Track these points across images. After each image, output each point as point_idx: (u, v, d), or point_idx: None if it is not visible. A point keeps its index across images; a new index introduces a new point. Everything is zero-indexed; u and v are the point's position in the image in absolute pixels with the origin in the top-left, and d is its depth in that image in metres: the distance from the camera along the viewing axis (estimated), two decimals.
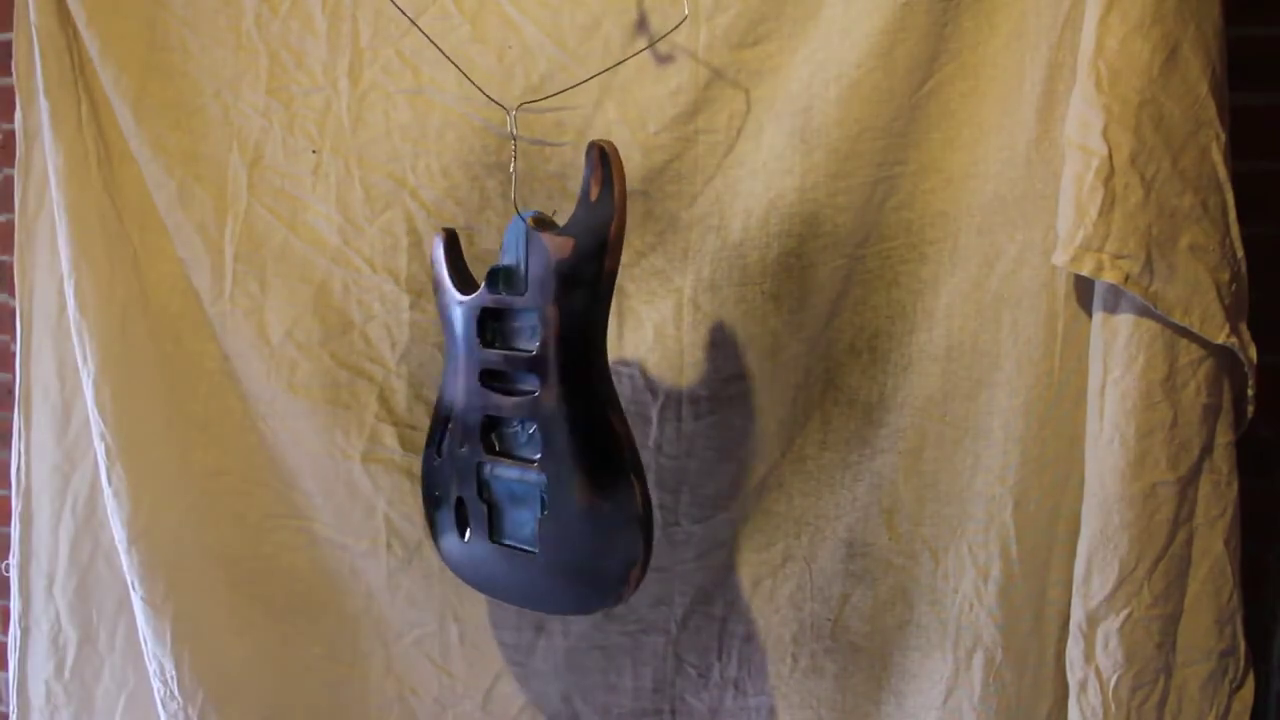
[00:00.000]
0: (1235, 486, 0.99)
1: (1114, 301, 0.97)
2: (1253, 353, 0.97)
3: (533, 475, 1.01)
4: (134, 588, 1.25)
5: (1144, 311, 0.95)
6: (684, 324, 1.14)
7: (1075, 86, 0.95)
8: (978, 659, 1.10)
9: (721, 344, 1.13)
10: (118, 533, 1.24)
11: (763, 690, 1.22)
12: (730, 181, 1.11)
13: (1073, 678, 1.03)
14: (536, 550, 1.02)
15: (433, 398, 1.21)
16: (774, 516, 1.18)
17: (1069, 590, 1.03)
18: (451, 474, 1.07)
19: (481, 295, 1.02)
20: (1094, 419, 1.00)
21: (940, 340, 1.09)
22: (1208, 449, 0.98)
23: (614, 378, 1.10)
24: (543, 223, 0.98)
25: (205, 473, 1.27)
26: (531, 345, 0.99)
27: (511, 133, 1.05)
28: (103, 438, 1.22)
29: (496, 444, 1.04)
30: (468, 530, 1.07)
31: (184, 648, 1.25)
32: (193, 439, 1.26)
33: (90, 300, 1.21)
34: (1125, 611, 0.99)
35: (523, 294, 0.98)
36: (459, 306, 1.04)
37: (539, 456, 1.00)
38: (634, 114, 1.10)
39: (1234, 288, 0.95)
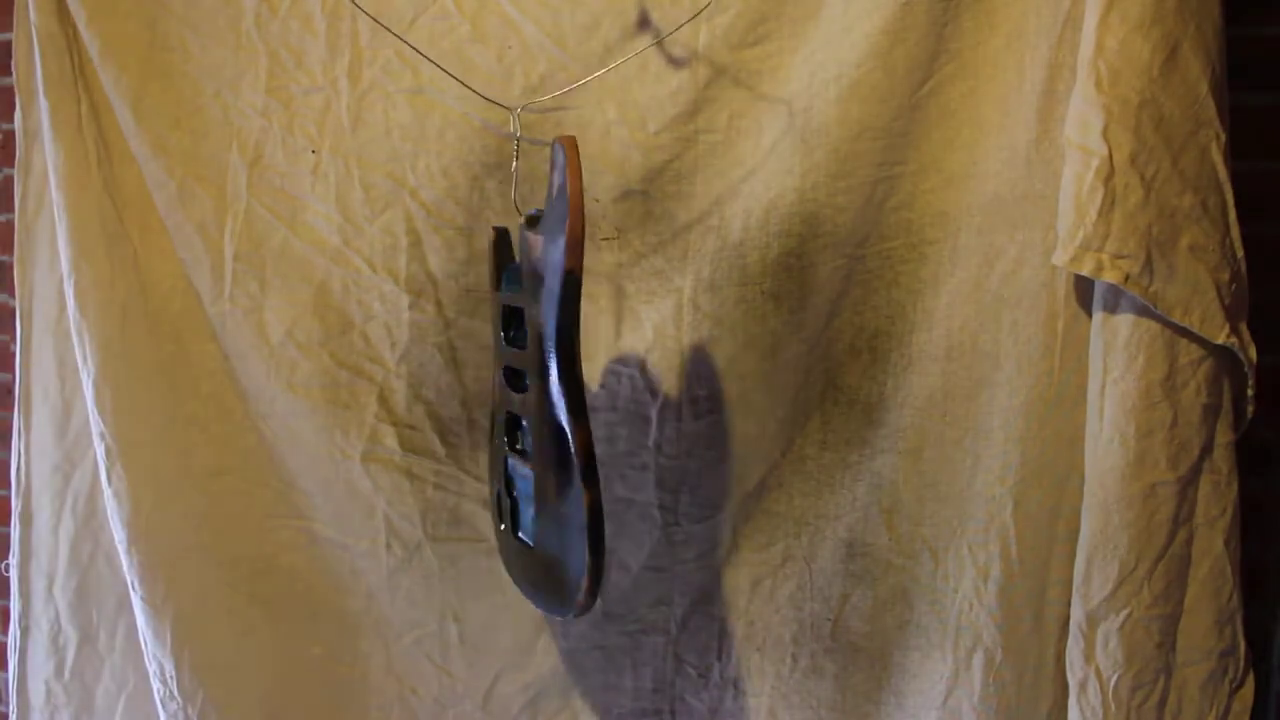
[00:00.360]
0: (1235, 486, 0.99)
1: (1114, 301, 0.97)
2: (1253, 353, 0.97)
3: (525, 470, 1.01)
4: (134, 588, 1.25)
5: (1144, 311, 0.95)
6: (684, 324, 1.14)
7: (1075, 86, 0.95)
8: (977, 659, 1.10)
9: (721, 344, 1.13)
10: (118, 533, 1.24)
11: (763, 690, 1.22)
12: (730, 182, 1.11)
13: (1073, 678, 1.03)
14: (530, 544, 1.02)
15: (432, 398, 1.21)
16: (774, 516, 1.18)
17: (1069, 590, 1.03)
18: (492, 468, 1.11)
19: (500, 295, 1.03)
20: (1094, 419, 1.00)
21: (940, 340, 1.09)
22: (1208, 449, 0.98)
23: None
24: (533, 221, 0.97)
25: (205, 473, 1.27)
26: (523, 344, 0.98)
27: (514, 132, 1.05)
28: (103, 438, 1.22)
29: (512, 440, 1.05)
30: (502, 523, 1.09)
31: (184, 648, 1.25)
32: (193, 439, 1.26)
33: (90, 300, 1.21)
34: (1125, 611, 0.99)
35: (519, 293, 0.98)
36: (496, 304, 1.06)
37: (531, 455, 1.00)
38: (634, 114, 1.10)
39: (1234, 288, 0.95)
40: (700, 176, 1.11)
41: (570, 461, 0.92)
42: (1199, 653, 1.01)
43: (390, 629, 1.29)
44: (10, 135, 1.31)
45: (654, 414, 1.16)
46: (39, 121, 1.23)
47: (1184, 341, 0.95)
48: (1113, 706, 1.01)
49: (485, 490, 1.21)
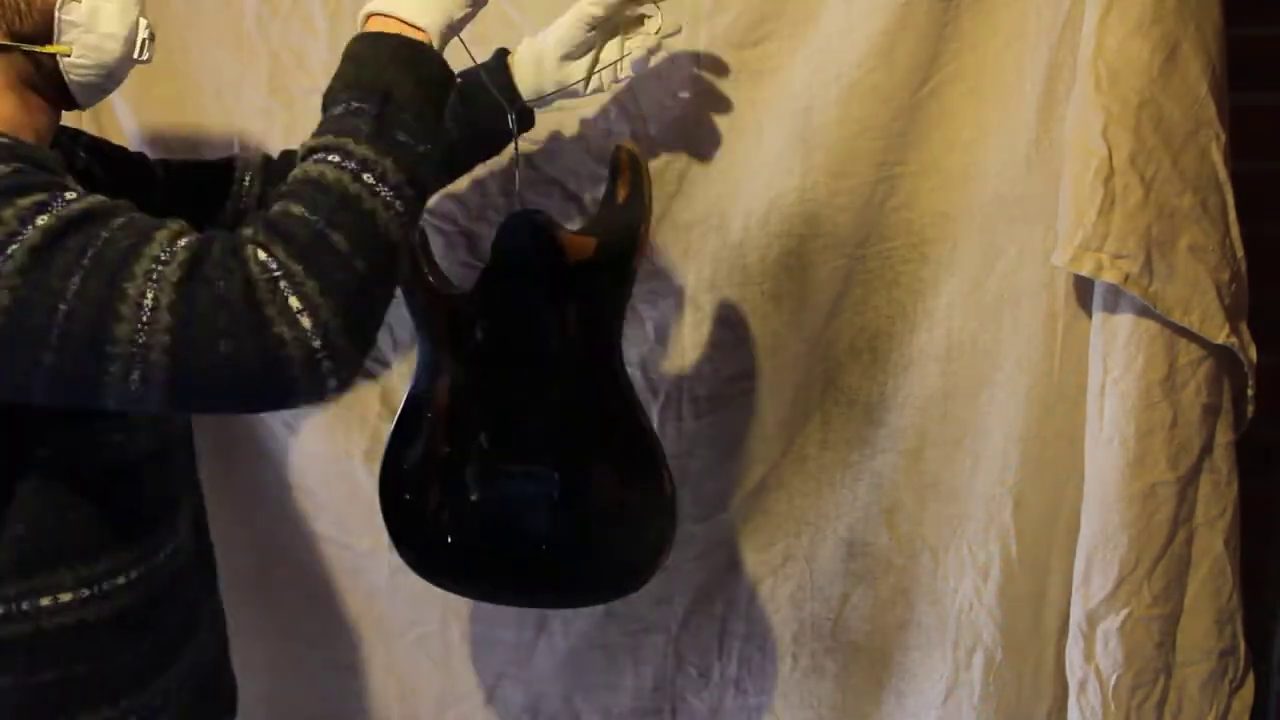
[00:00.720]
0: (1235, 486, 1.00)
1: (1114, 301, 0.97)
2: (1253, 353, 0.97)
3: (542, 472, 0.99)
4: None
5: (1144, 311, 0.95)
6: (684, 324, 1.14)
7: (1075, 86, 0.95)
8: (977, 659, 1.10)
9: (722, 344, 1.13)
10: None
11: (763, 689, 1.22)
12: (731, 182, 1.11)
13: (1073, 677, 1.03)
14: (544, 546, 1.00)
15: None
16: (774, 516, 1.18)
17: (1069, 590, 1.03)
18: (429, 478, 1.03)
19: (475, 293, 0.99)
20: (1094, 419, 1.00)
21: (940, 340, 1.09)
22: (1208, 449, 0.98)
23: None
24: (550, 222, 0.97)
25: (206, 473, 1.27)
26: (541, 343, 0.98)
27: (514, 132, 1.05)
28: None
29: (488, 444, 1.01)
30: (449, 535, 1.03)
31: None
32: (194, 438, 1.26)
33: None
34: (1125, 611, 0.99)
35: (529, 292, 0.97)
36: (442, 305, 1.01)
37: (550, 454, 0.99)
38: (634, 114, 1.10)
39: (1234, 288, 0.95)
40: (701, 177, 1.11)
41: (641, 449, 0.96)
42: (1199, 653, 1.01)
43: (391, 628, 1.29)
44: None
45: (655, 414, 1.16)
46: None
47: (1184, 341, 0.95)
48: (1112, 706, 1.01)
49: None
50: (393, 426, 1.04)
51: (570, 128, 1.12)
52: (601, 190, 1.11)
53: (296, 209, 0.66)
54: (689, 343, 1.14)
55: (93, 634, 0.80)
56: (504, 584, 1.05)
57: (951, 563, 1.12)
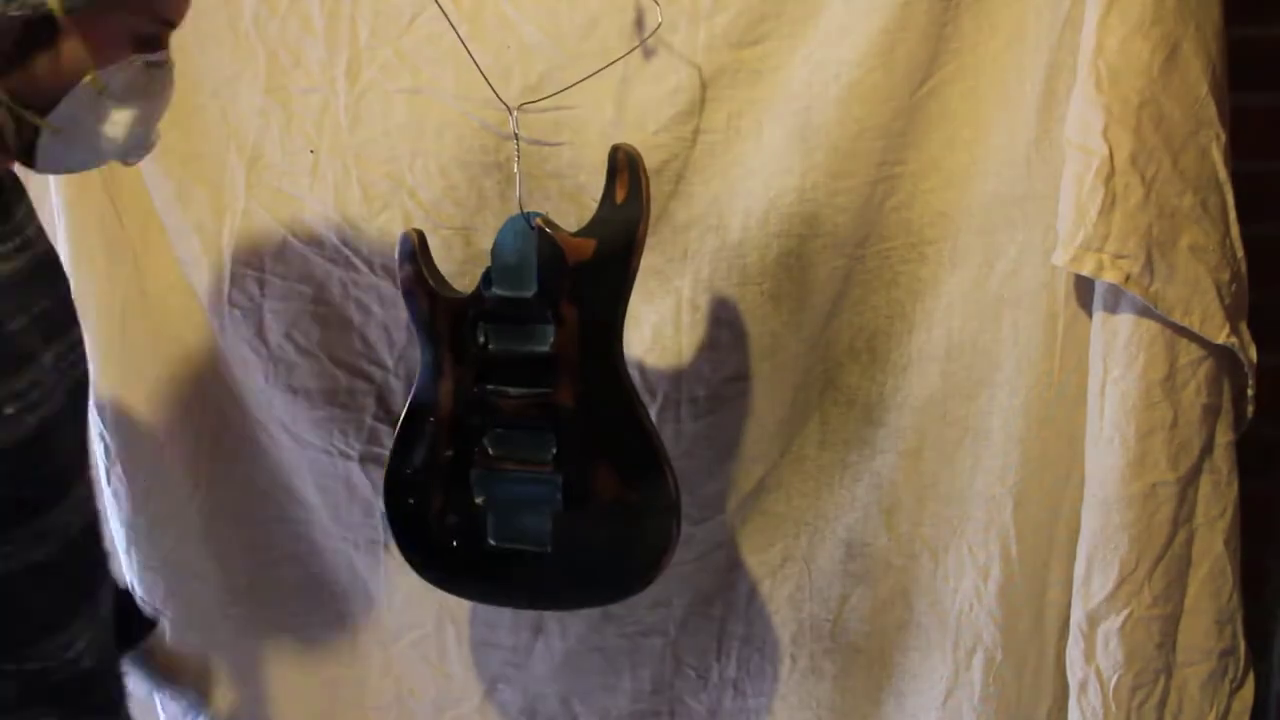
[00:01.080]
0: (1235, 486, 0.99)
1: (1114, 301, 0.97)
2: (1253, 353, 0.97)
3: (545, 475, 0.99)
4: (134, 588, 1.24)
5: (1144, 311, 0.95)
6: (683, 324, 1.13)
7: (1075, 86, 0.95)
8: (978, 659, 1.10)
9: (720, 344, 1.13)
10: (117, 533, 1.24)
11: (762, 691, 1.22)
12: (729, 181, 1.10)
13: (1073, 678, 1.03)
14: (549, 549, 1.01)
15: None
16: (773, 517, 1.18)
17: (1069, 590, 1.03)
18: (433, 481, 1.03)
19: (475, 296, 1.00)
20: (1094, 419, 1.00)
21: (940, 340, 1.09)
22: (1208, 449, 0.98)
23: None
24: (548, 223, 0.97)
25: (205, 473, 1.27)
26: (542, 345, 0.98)
27: (514, 132, 1.05)
28: (103, 438, 1.22)
29: (491, 447, 1.02)
30: (453, 538, 1.04)
31: (184, 649, 1.25)
32: (192, 439, 1.26)
33: (90, 300, 1.21)
34: (1125, 611, 0.99)
35: (529, 294, 0.97)
36: (443, 308, 1.01)
37: (553, 456, 0.99)
38: (633, 114, 1.10)
39: (1234, 288, 0.95)
40: (699, 176, 1.11)
41: (643, 451, 0.97)
42: (1199, 653, 1.01)
43: (388, 630, 1.29)
44: None
45: (654, 414, 1.15)
46: None
47: (1184, 341, 0.95)
48: (1113, 706, 1.01)
49: None
50: (397, 429, 1.04)
51: (567, 127, 1.12)
52: (601, 190, 1.10)
53: None
54: (687, 343, 1.14)
55: None
56: (507, 587, 1.06)
57: (951, 563, 1.12)
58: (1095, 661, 1.01)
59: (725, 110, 1.09)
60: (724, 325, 1.13)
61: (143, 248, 1.24)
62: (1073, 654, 1.03)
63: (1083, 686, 1.02)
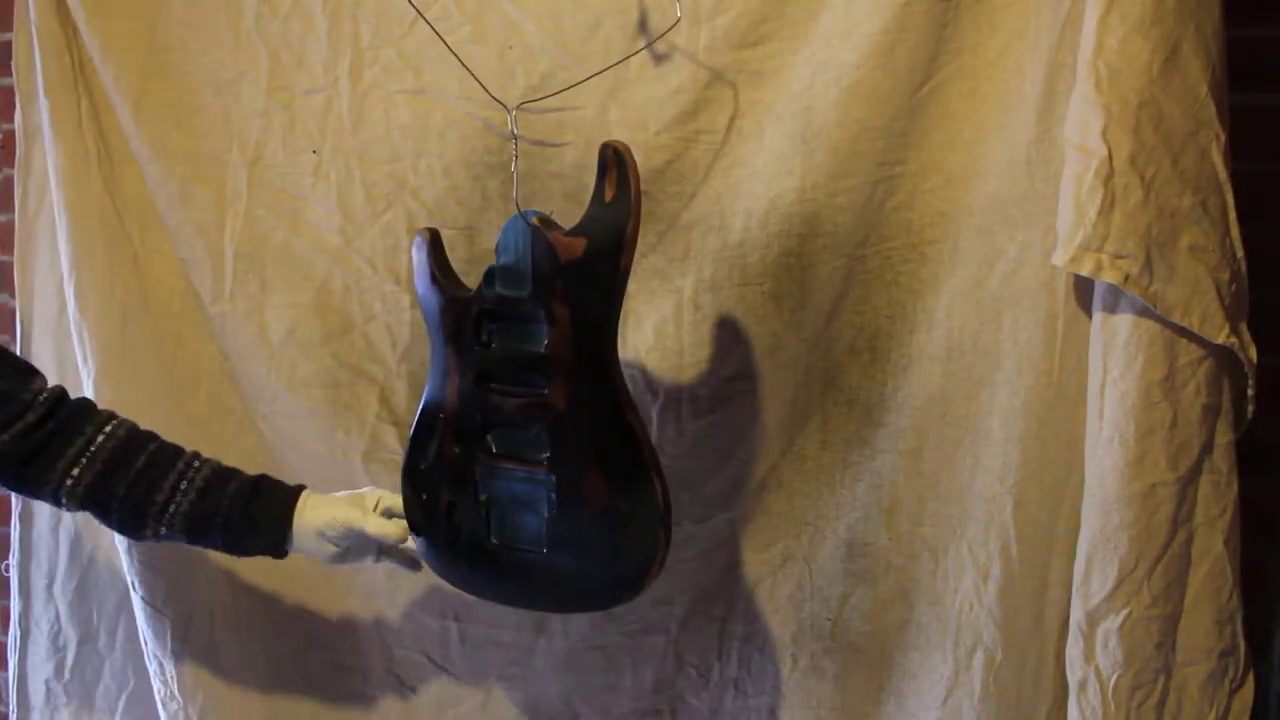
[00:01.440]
0: (1235, 486, 0.99)
1: (1114, 301, 0.97)
2: (1253, 353, 0.97)
3: (541, 475, 1.00)
4: (134, 588, 1.25)
5: (1144, 311, 0.95)
6: (684, 324, 1.14)
7: (1075, 86, 0.95)
8: (978, 659, 1.10)
9: (722, 344, 1.13)
10: (118, 533, 1.24)
11: (763, 690, 1.22)
12: (731, 182, 1.11)
13: (1073, 677, 1.03)
14: (544, 550, 1.01)
15: None
16: (774, 516, 1.18)
17: (1069, 590, 1.03)
18: (442, 477, 1.05)
19: (478, 295, 1.01)
20: (1094, 419, 1.00)
21: (940, 340, 1.09)
22: (1208, 449, 0.98)
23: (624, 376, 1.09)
24: (546, 223, 0.98)
25: None
26: (537, 345, 0.98)
27: (513, 132, 1.05)
28: None
29: (494, 445, 1.03)
30: (459, 534, 1.05)
31: (184, 648, 1.25)
32: (193, 439, 1.25)
33: (90, 300, 1.21)
34: (1125, 611, 0.99)
35: (526, 294, 0.97)
36: (450, 307, 1.02)
37: (547, 457, 0.99)
38: (635, 114, 1.10)
39: (1234, 288, 0.95)
40: (701, 177, 1.11)
41: (631, 456, 0.96)
42: (1199, 653, 1.01)
43: (390, 629, 1.29)
44: (10, 135, 1.31)
45: (655, 414, 1.15)
46: (39, 121, 1.23)
47: (1184, 341, 0.95)
48: (1112, 706, 1.01)
49: None
50: (413, 424, 1.06)
51: (570, 127, 1.12)
52: None
53: None
54: (689, 342, 1.14)
55: None
56: (507, 586, 1.06)
57: (951, 563, 1.12)
58: (1095, 661, 1.01)
59: (727, 111, 1.09)
60: (725, 325, 1.13)
61: (143, 248, 1.24)
62: (1072, 653, 1.03)
63: (1082, 686, 1.02)
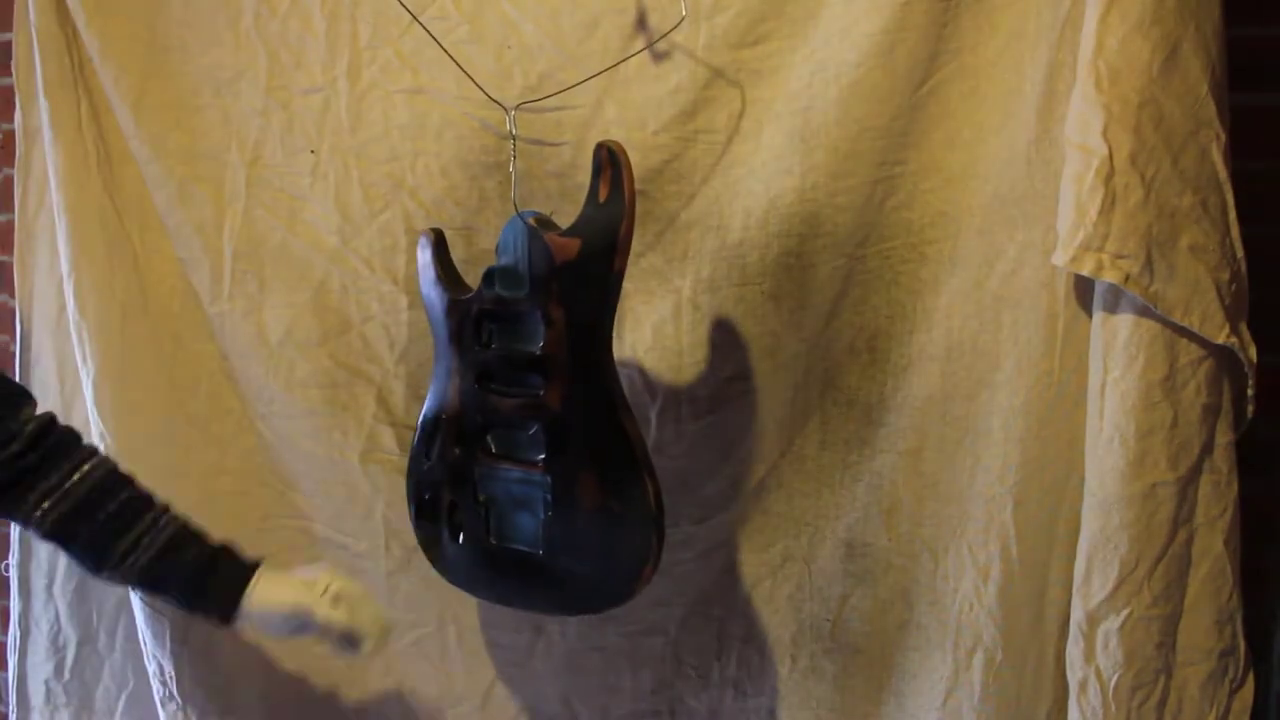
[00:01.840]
0: (1235, 486, 0.99)
1: (1114, 301, 0.97)
2: (1253, 353, 0.96)
3: (537, 476, 1.00)
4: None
5: (1144, 311, 0.95)
6: (683, 324, 1.13)
7: (1075, 86, 0.95)
8: (978, 659, 1.10)
9: (721, 344, 1.13)
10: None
11: (762, 691, 1.22)
12: (730, 181, 1.10)
13: (1073, 677, 1.03)
14: (541, 551, 1.01)
15: None
16: (773, 517, 1.18)
17: (1069, 590, 1.03)
18: (444, 477, 1.06)
19: (478, 296, 1.01)
20: (1094, 419, 0.99)
21: (940, 340, 1.09)
22: (1208, 449, 0.98)
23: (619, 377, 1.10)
24: (544, 223, 0.98)
25: (205, 473, 1.27)
26: (533, 346, 0.98)
27: (511, 132, 1.05)
28: (103, 438, 1.22)
29: (494, 446, 1.04)
30: (460, 533, 1.06)
31: (183, 648, 1.25)
32: (192, 439, 1.26)
33: (90, 300, 1.21)
34: (1125, 611, 0.99)
35: (524, 294, 0.98)
36: (452, 307, 1.03)
37: (543, 458, 0.99)
38: (633, 114, 1.10)
39: (1234, 288, 0.95)
40: (699, 176, 1.11)
41: (624, 457, 0.96)
42: (1199, 653, 1.00)
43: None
44: (10, 135, 1.31)
45: (653, 415, 1.15)
46: (39, 121, 1.23)
47: (1184, 341, 0.95)
48: (1113, 706, 1.01)
49: None
50: (418, 424, 1.07)
51: (568, 126, 1.12)
52: None
53: None
54: (687, 343, 1.14)
55: None
56: (506, 586, 1.06)
57: (951, 563, 1.12)
58: (1095, 661, 1.01)
59: (726, 110, 1.09)
60: (724, 325, 1.13)
61: (142, 248, 1.24)
62: (1072, 654, 1.03)
63: (1083, 686, 1.02)
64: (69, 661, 1.34)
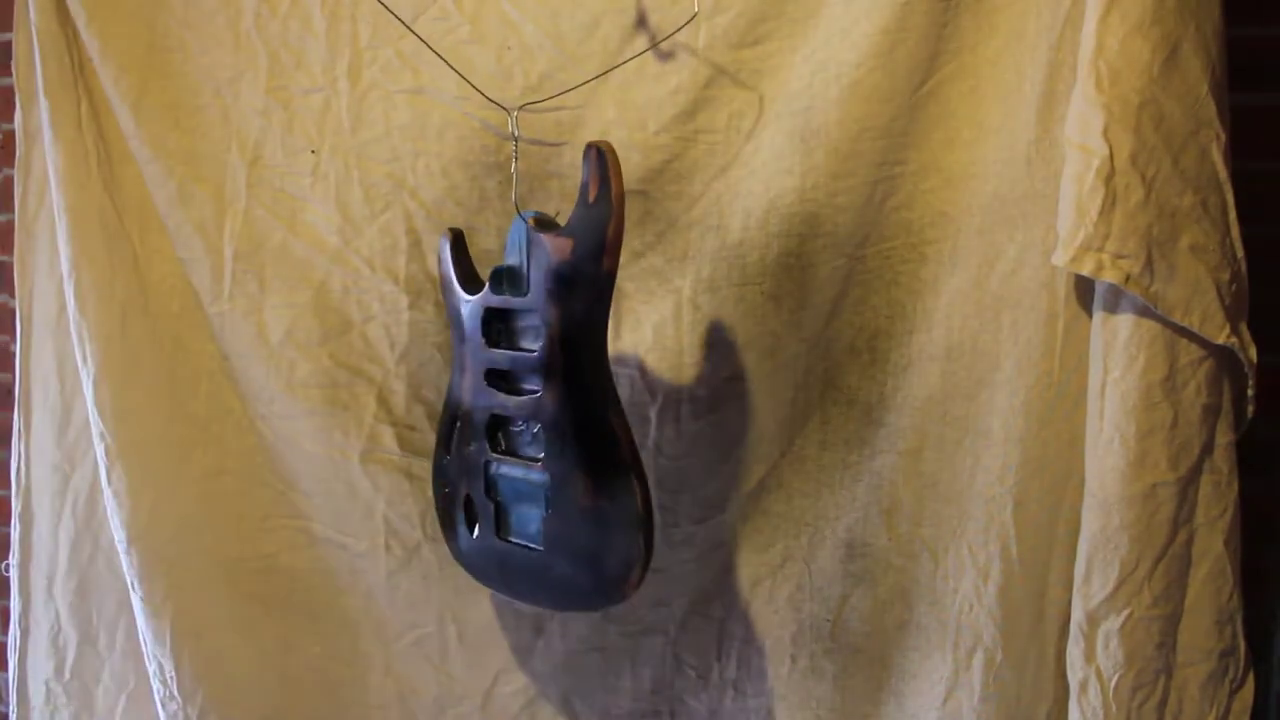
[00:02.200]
0: (1235, 487, 0.99)
1: (1114, 301, 0.97)
2: (1253, 353, 0.97)
3: (536, 474, 1.02)
4: (134, 588, 1.25)
5: (1144, 311, 0.95)
6: (683, 324, 1.14)
7: (1075, 86, 0.95)
8: (978, 659, 1.10)
9: (721, 344, 1.13)
10: (117, 533, 1.24)
11: (762, 691, 1.22)
12: (730, 182, 1.10)
13: (1073, 678, 1.03)
14: (541, 548, 1.02)
15: (431, 398, 1.21)
16: (773, 517, 1.18)
17: (1069, 590, 1.03)
18: (460, 471, 1.09)
19: (486, 295, 1.03)
20: (1094, 419, 0.99)
21: (940, 340, 1.09)
22: (1208, 449, 0.98)
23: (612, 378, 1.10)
24: (544, 223, 0.98)
25: (205, 473, 1.27)
26: (534, 345, 0.99)
27: (513, 133, 1.05)
28: (103, 438, 1.22)
29: (503, 443, 1.06)
30: (475, 527, 1.09)
31: (184, 648, 1.25)
32: (193, 439, 1.26)
33: (90, 300, 1.21)
34: (1126, 611, 0.99)
35: (525, 294, 0.98)
36: (465, 306, 1.05)
37: (542, 456, 1.00)
38: (633, 114, 1.10)
39: (1234, 288, 0.95)
40: (700, 176, 1.11)
41: (612, 458, 0.96)
42: (1199, 653, 1.00)
43: (389, 629, 1.29)
44: (10, 135, 1.31)
45: (653, 414, 1.15)
46: (39, 121, 1.23)
47: (1184, 341, 0.95)
48: (1113, 707, 1.01)
49: None
50: (439, 421, 1.11)
51: (568, 127, 1.12)
52: None
53: None
54: (687, 343, 1.14)
55: None
56: (514, 580, 1.08)
57: (951, 563, 1.12)
58: (1095, 661, 1.01)
59: (725, 110, 1.09)
60: (724, 325, 1.13)
61: (142, 248, 1.24)
62: (1073, 654, 1.03)
63: (1083, 686, 1.02)
64: (69, 661, 1.34)
